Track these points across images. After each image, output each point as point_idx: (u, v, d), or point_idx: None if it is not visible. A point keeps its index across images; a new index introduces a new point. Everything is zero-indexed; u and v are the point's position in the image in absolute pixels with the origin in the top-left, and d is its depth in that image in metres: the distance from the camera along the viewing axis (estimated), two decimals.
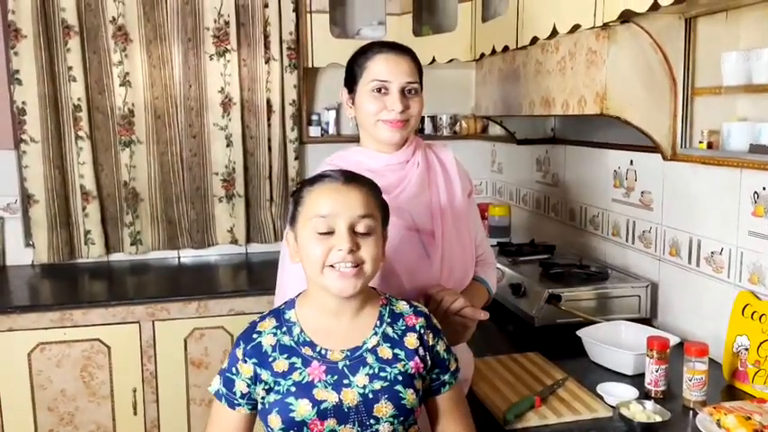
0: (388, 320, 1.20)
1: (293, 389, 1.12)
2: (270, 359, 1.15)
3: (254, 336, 1.18)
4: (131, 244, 2.95)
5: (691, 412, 1.46)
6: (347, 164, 1.41)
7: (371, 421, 1.13)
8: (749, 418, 1.33)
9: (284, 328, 1.18)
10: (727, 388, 1.61)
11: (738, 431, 1.31)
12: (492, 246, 2.45)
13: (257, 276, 2.82)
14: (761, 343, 1.55)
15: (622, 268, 2.16)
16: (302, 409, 1.11)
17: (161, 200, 2.97)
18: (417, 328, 1.20)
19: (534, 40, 2.04)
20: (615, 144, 2.22)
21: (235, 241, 3.05)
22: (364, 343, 1.17)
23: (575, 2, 1.76)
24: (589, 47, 1.75)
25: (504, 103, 2.40)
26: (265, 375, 1.14)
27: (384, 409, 1.13)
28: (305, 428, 1.11)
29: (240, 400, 1.17)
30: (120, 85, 2.83)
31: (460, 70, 3.08)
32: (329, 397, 1.12)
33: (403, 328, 1.20)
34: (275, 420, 1.12)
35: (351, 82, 1.46)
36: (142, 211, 2.96)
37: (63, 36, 2.75)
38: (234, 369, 1.17)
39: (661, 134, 1.77)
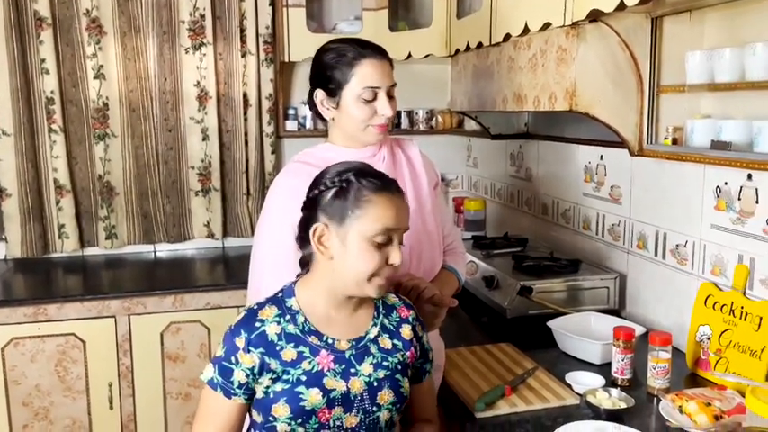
0: (384, 312, 1.25)
1: (303, 378, 1.13)
2: (277, 348, 1.14)
3: (257, 324, 1.15)
4: (106, 238, 2.93)
5: (654, 399, 1.51)
6: (316, 161, 1.42)
7: (374, 408, 1.17)
8: (710, 404, 1.39)
9: (287, 317, 1.17)
10: (690, 376, 1.67)
11: (699, 417, 1.36)
12: (467, 239, 2.51)
13: (234, 270, 2.83)
14: (722, 332, 1.61)
15: (592, 261, 2.22)
16: (313, 397, 1.13)
17: (136, 194, 2.96)
18: (410, 320, 1.26)
19: (507, 37, 2.07)
20: (586, 140, 2.27)
21: (211, 235, 3.05)
22: (367, 333, 1.21)
23: (545, 0, 1.80)
24: (559, 45, 1.79)
25: (478, 99, 2.43)
26: (274, 364, 1.13)
27: (386, 396, 1.19)
28: (313, 417, 1.13)
29: (237, 390, 1.14)
30: (94, 78, 2.81)
31: (436, 65, 3.11)
32: (338, 386, 1.15)
33: (397, 319, 1.25)
34: (282, 409, 1.12)
35: (330, 83, 1.43)
36: (117, 205, 2.94)
37: (35, 28, 2.72)
38: (233, 358, 1.14)
39: (628, 130, 1.81)
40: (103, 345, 2.44)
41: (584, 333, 1.78)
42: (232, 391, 1.14)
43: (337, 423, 1.15)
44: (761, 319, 1.51)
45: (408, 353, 1.23)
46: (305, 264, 1.23)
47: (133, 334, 2.46)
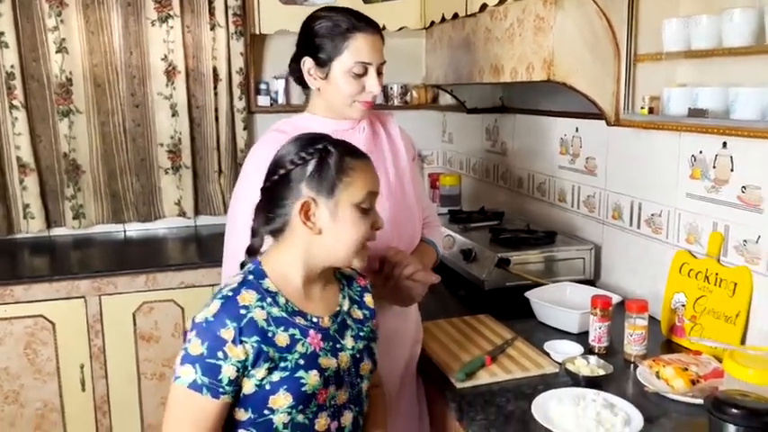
0: (346, 283, 1.25)
1: (301, 362, 1.08)
2: (269, 334, 1.07)
3: (242, 311, 1.06)
4: (74, 218, 2.85)
5: (632, 366, 1.53)
6: (295, 130, 1.39)
7: (358, 380, 1.18)
8: (686, 369, 1.41)
9: (268, 299, 1.09)
10: (665, 342, 1.69)
11: (676, 381, 1.38)
12: (443, 214, 2.50)
13: (207, 249, 2.77)
14: (697, 299, 1.63)
15: (568, 232, 2.22)
16: (312, 380, 1.09)
17: (104, 172, 2.88)
18: (369, 288, 1.27)
19: (483, 7, 2.04)
20: (561, 112, 2.26)
21: (183, 214, 2.99)
22: (340, 306, 1.19)
23: None
24: (537, 13, 1.77)
25: (454, 72, 2.41)
26: (272, 352, 1.06)
27: (366, 366, 1.19)
28: (313, 401, 1.09)
29: (227, 388, 1.04)
30: (57, 52, 2.71)
31: (411, 39, 3.06)
32: (330, 363, 1.12)
33: (359, 289, 1.26)
34: (283, 399, 1.06)
35: (321, 53, 1.39)
36: (84, 184, 2.86)
37: None
38: (219, 353, 1.03)
39: (605, 100, 1.80)
40: (74, 326, 2.37)
41: (561, 303, 1.79)
42: (221, 390, 1.04)
43: (332, 402, 1.13)
44: (735, 285, 1.53)
45: (374, 320, 1.25)
46: (253, 251, 1.16)
47: (104, 314, 2.40)
